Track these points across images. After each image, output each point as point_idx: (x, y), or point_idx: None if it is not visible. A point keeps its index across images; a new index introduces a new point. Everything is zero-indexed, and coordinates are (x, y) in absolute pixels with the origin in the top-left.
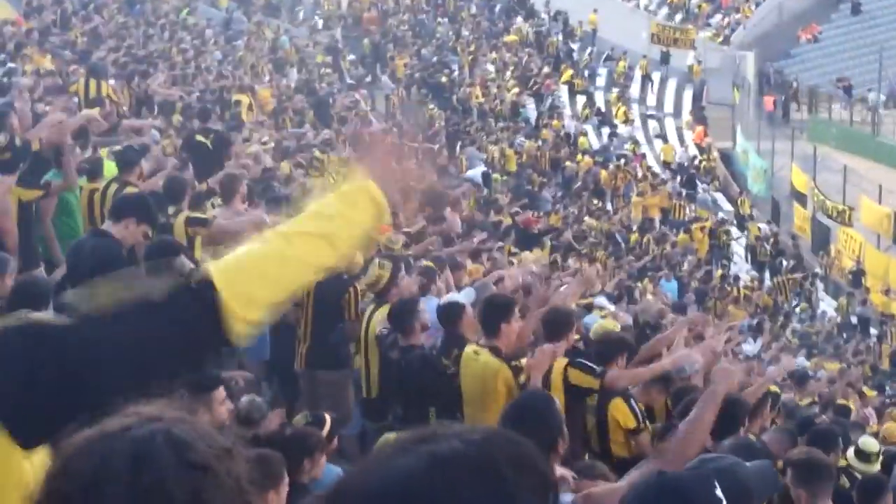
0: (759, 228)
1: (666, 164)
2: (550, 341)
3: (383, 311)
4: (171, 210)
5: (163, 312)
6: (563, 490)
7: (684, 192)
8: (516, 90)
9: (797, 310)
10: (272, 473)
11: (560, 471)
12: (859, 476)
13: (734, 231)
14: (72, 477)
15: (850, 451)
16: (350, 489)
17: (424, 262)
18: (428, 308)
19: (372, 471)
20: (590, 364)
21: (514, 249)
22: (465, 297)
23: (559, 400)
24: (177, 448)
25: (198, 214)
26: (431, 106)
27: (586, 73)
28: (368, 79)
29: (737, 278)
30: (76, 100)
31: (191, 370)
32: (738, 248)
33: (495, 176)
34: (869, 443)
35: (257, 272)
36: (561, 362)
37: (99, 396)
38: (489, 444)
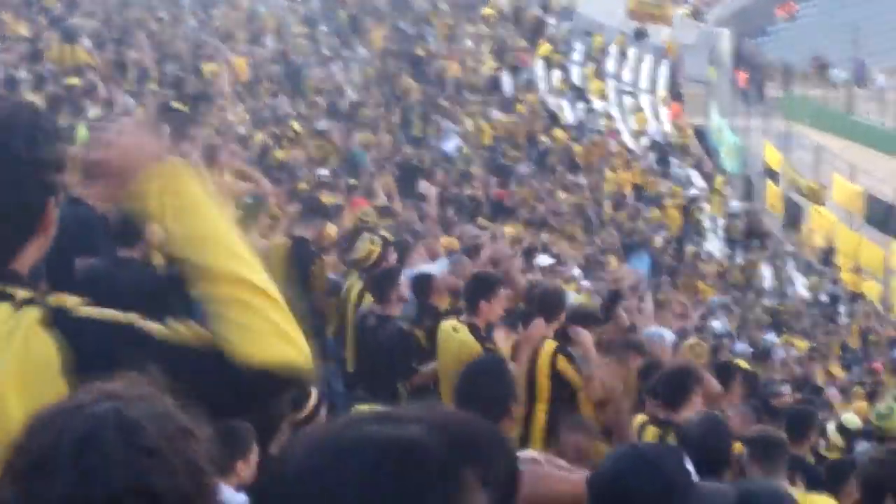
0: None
1: (638, 134)
2: (544, 319)
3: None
4: None
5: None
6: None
7: (658, 167)
8: (492, 64)
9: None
10: (239, 443)
11: (530, 453)
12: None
13: (706, 207)
14: (23, 452)
15: (831, 427)
16: (304, 483)
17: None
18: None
19: (327, 466)
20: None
21: (485, 223)
22: (436, 267)
23: (544, 385)
24: (125, 430)
25: None
26: (408, 78)
27: (563, 47)
28: (346, 52)
29: (709, 255)
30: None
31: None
32: (710, 225)
33: (467, 150)
34: (851, 419)
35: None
36: (550, 346)
37: None
38: (449, 431)
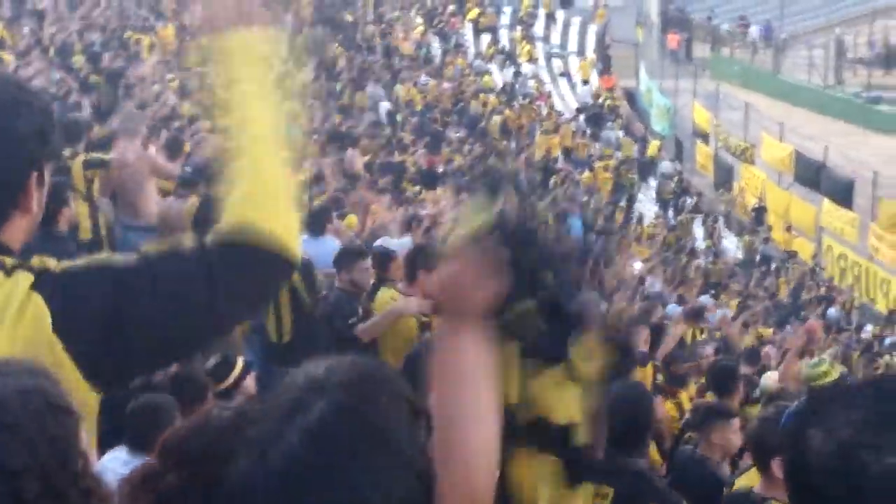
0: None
1: (584, 82)
2: None
3: None
4: (67, 152)
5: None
6: None
7: (588, 130)
8: (421, 29)
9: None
10: (163, 416)
11: None
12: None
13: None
14: None
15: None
16: (238, 492)
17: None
18: (321, 249)
19: (251, 467)
20: None
21: (417, 189)
22: (399, 245)
23: None
24: None
25: (96, 155)
26: (336, 45)
27: (490, 10)
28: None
29: (641, 217)
30: None
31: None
32: (642, 187)
33: (399, 117)
34: (768, 380)
35: (274, 190)
36: None
37: (178, 340)
38: (351, 387)
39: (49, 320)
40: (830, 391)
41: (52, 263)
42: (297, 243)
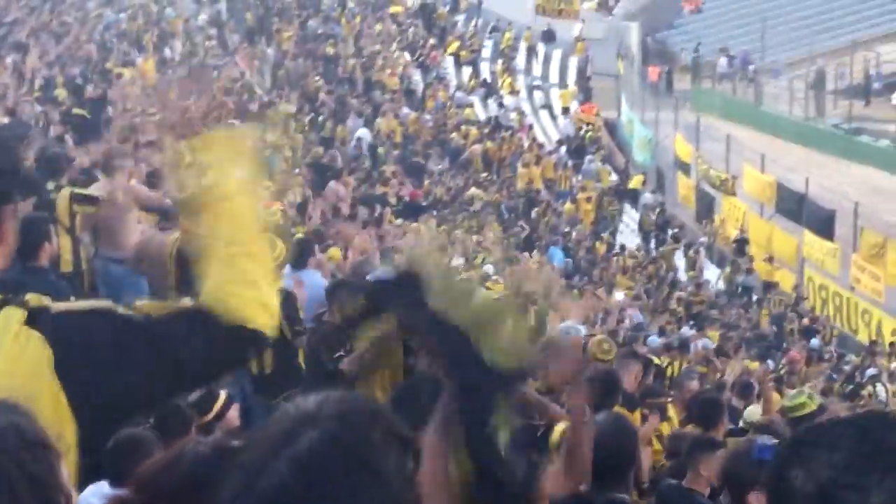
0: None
1: (564, 110)
2: None
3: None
4: (51, 186)
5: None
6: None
7: (570, 162)
8: (402, 62)
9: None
10: (143, 450)
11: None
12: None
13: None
14: None
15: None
16: None
17: (299, 234)
18: (306, 280)
19: (241, 490)
20: None
21: (398, 222)
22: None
23: None
24: None
25: (84, 191)
26: (317, 78)
27: (471, 44)
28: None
29: (623, 248)
30: None
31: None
32: (625, 218)
33: (380, 149)
34: (751, 412)
35: (252, 277)
36: None
37: (172, 390)
38: (342, 420)
39: (49, 359)
40: (813, 430)
41: (47, 301)
42: (273, 318)
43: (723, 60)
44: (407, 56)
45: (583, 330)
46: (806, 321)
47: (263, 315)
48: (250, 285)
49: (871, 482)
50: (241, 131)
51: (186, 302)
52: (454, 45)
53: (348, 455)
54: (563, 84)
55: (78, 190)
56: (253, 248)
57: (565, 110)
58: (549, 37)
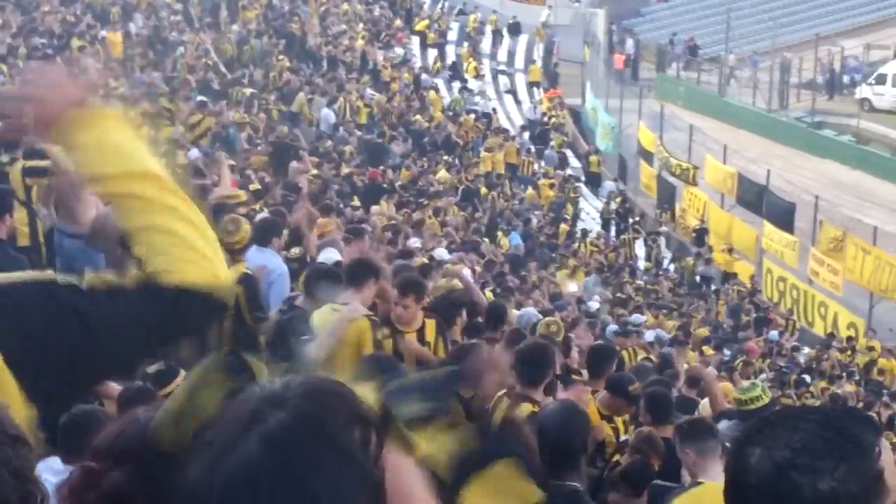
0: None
1: (533, 83)
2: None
3: (239, 269)
4: (6, 158)
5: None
6: None
7: (533, 147)
8: (363, 41)
9: (642, 266)
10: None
11: None
12: None
13: (581, 188)
14: None
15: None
16: (191, 496)
17: (263, 216)
18: (265, 261)
19: (205, 472)
20: None
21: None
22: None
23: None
24: None
25: (37, 163)
26: (281, 57)
27: (437, 26)
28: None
29: (584, 234)
30: None
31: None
32: (585, 205)
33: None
34: (705, 405)
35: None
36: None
37: (108, 364)
38: (309, 401)
39: None
40: (779, 413)
41: None
42: (224, 274)
43: (679, 48)
44: (372, 36)
45: (538, 316)
46: (763, 313)
47: (214, 273)
48: (191, 248)
49: (824, 467)
50: (110, 111)
51: (135, 273)
52: (423, 24)
53: (317, 434)
54: (528, 69)
55: (29, 163)
56: (178, 213)
57: (534, 84)
58: (515, 29)
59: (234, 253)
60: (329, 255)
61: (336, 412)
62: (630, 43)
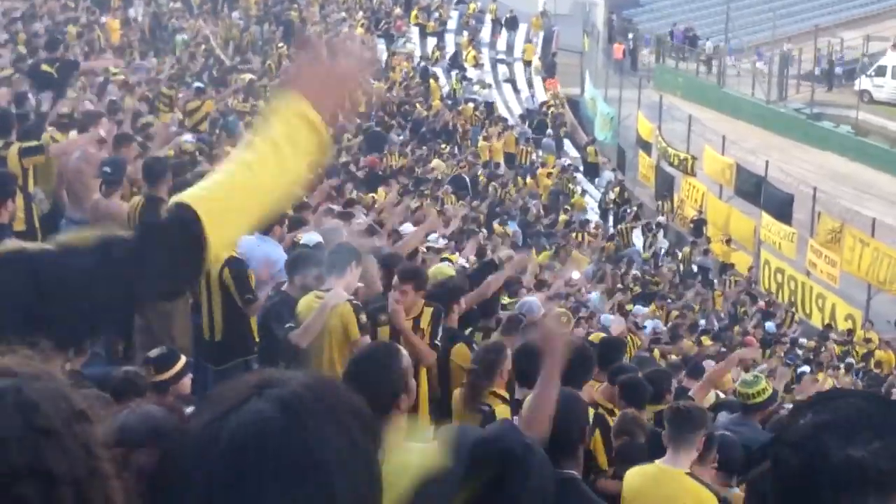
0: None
1: (527, 63)
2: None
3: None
4: (0, 143)
5: (135, 246)
6: None
7: (531, 136)
8: (362, 30)
9: (641, 257)
10: (127, 393)
11: None
12: None
13: (579, 177)
14: None
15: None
16: (199, 440)
17: None
18: (267, 251)
19: (221, 417)
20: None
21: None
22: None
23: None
24: (24, 409)
25: (30, 143)
26: (281, 44)
27: (437, 14)
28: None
29: (583, 224)
30: None
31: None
32: (585, 196)
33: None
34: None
35: (231, 206)
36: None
37: (70, 322)
38: (323, 388)
39: None
40: (836, 389)
41: None
42: (222, 242)
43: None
44: (371, 25)
45: (538, 306)
46: (763, 304)
47: (218, 239)
48: (230, 206)
49: (859, 437)
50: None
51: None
52: (413, 16)
53: (327, 410)
54: (523, 51)
55: (25, 143)
56: (262, 187)
57: (527, 64)
58: (512, 24)
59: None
60: (310, 238)
61: (341, 401)
62: (631, 35)
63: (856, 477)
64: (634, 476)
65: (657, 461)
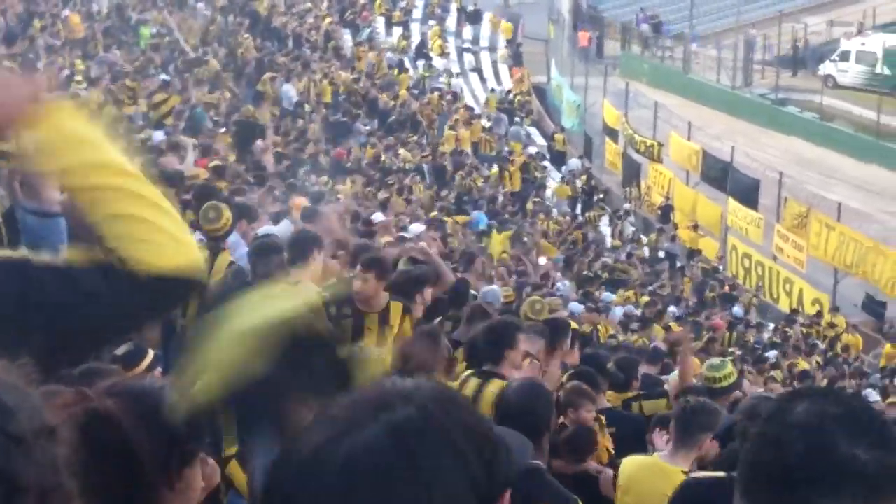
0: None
1: (508, 42)
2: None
3: (225, 258)
4: None
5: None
6: None
7: (499, 118)
8: (330, 20)
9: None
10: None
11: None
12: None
13: (547, 165)
14: None
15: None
16: (309, 463)
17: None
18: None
19: (328, 443)
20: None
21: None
22: (281, 231)
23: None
24: None
25: None
26: (247, 35)
27: (403, 4)
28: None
29: (549, 212)
30: None
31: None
32: (550, 183)
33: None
34: (673, 377)
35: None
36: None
37: (51, 337)
38: (437, 404)
39: None
40: (831, 387)
41: None
42: (194, 251)
43: (645, 26)
44: (337, 14)
45: (500, 294)
46: (728, 288)
47: (187, 254)
48: (160, 232)
49: (867, 439)
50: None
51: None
52: (384, 5)
53: (442, 436)
54: (493, 48)
55: None
56: (144, 199)
57: (508, 42)
58: (475, 18)
59: (216, 240)
60: (286, 228)
61: (461, 421)
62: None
63: (857, 476)
64: (630, 465)
65: (656, 454)
